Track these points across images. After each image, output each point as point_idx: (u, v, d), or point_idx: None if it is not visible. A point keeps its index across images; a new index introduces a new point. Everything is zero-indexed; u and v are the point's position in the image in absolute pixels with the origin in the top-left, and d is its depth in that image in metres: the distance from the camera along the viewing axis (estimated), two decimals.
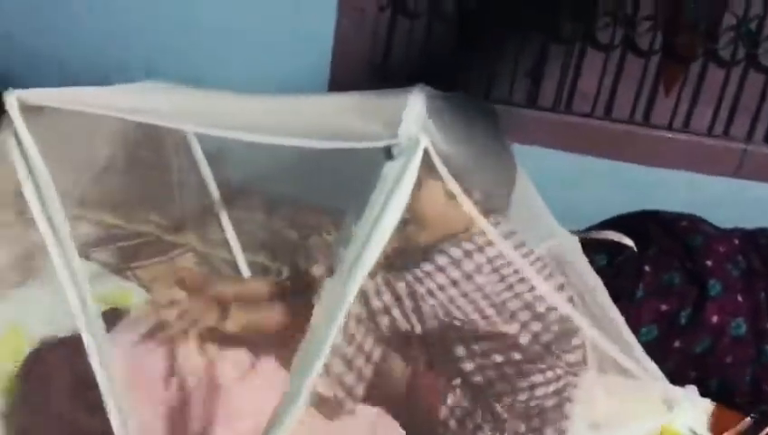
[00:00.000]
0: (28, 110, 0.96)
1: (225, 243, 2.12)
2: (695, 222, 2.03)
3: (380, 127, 1.04)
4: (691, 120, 2.37)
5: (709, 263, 1.89)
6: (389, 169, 0.92)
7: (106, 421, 1.22)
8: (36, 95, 0.97)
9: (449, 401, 1.33)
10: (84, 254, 1.80)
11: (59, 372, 1.30)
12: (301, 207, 2.34)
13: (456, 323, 1.23)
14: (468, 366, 1.30)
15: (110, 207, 2.02)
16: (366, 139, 1.01)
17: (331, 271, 1.83)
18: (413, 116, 1.01)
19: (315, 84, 2.40)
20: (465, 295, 1.22)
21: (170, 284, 1.90)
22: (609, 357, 1.31)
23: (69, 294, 1.01)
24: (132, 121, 1.23)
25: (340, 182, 2.31)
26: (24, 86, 0.97)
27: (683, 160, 2.35)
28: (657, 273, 1.90)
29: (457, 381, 1.34)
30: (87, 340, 1.03)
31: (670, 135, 2.38)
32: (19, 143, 0.94)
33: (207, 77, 1.69)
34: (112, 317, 1.55)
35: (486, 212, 1.19)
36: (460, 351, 1.30)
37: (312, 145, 1.03)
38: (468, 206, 1.07)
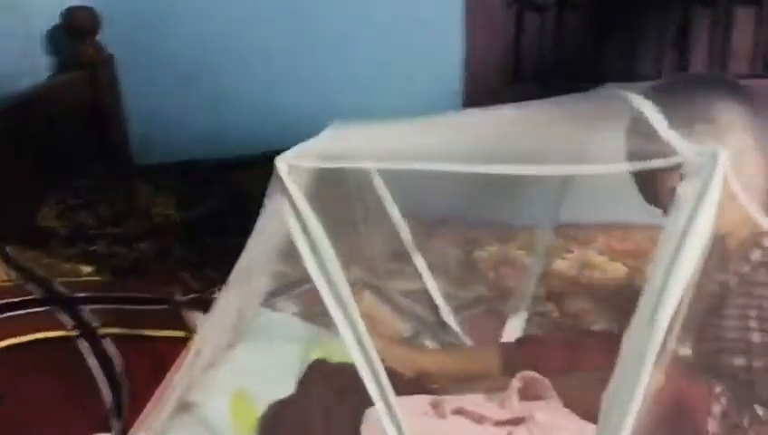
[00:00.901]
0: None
1: (396, 274, 2.11)
2: None
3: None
4: None
5: None
6: (686, 189, 0.83)
7: None
8: (301, 158, 1.00)
9: (715, 411, 1.23)
10: (269, 305, 1.79)
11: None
12: (456, 224, 2.28)
13: None
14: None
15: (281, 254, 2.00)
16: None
17: None
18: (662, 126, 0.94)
19: (449, 96, 2.34)
20: None
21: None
22: None
23: (352, 349, 0.96)
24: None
25: (493, 194, 2.27)
26: None
27: None
28: None
29: (720, 388, 1.23)
30: (377, 401, 0.98)
31: None
32: (292, 204, 0.96)
33: (344, 108, 1.67)
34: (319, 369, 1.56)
35: None
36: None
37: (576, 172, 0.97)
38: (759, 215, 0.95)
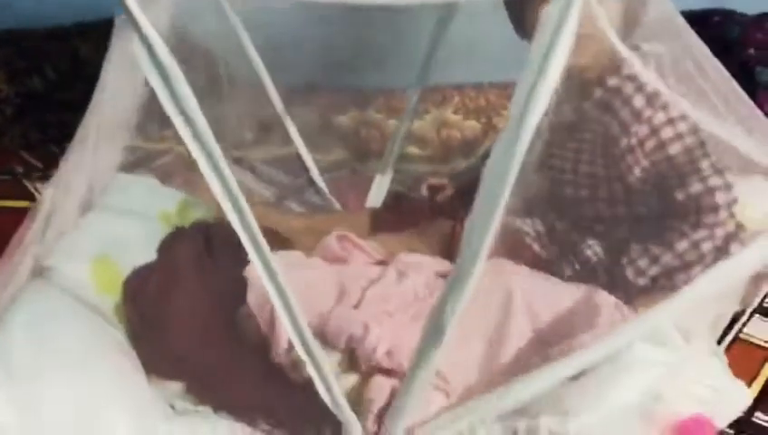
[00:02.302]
0: None
1: (257, 143, 2.05)
2: (726, 14, 1.99)
3: None
4: None
5: (751, 51, 1.88)
6: (549, 14, 0.82)
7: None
8: None
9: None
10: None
11: (169, 289, 1.28)
12: (312, 90, 2.23)
13: None
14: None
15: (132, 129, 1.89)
16: None
17: None
18: None
19: None
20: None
21: None
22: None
23: (222, 202, 0.91)
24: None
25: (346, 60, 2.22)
26: None
27: None
28: None
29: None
30: (250, 251, 0.94)
31: None
32: (144, 41, 0.81)
33: None
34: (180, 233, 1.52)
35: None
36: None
37: None
38: (619, 45, 0.98)
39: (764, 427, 1.22)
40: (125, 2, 0.81)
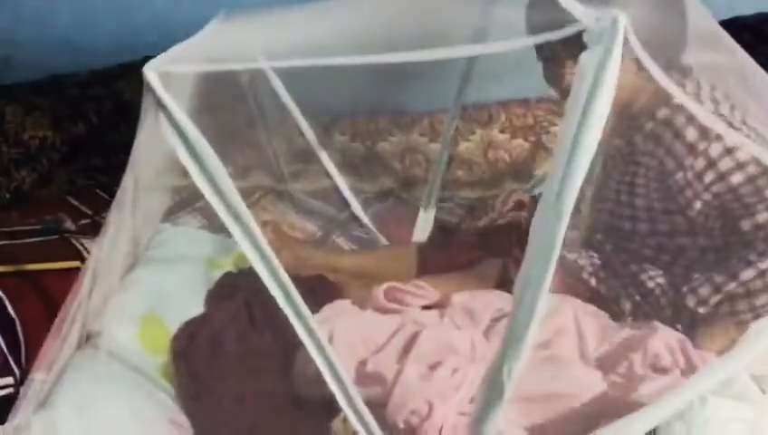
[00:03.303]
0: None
1: (300, 175, 2.03)
2: None
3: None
4: None
5: None
6: (589, 58, 0.77)
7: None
8: (176, 62, 0.88)
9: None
10: (171, 220, 1.70)
11: (217, 345, 1.25)
12: (355, 118, 2.20)
13: None
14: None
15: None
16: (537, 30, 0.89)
17: None
18: None
19: None
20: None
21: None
22: None
23: (252, 259, 0.90)
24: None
25: (389, 82, 2.18)
26: None
27: None
28: None
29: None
30: (284, 307, 0.92)
31: None
32: (169, 118, 0.84)
33: None
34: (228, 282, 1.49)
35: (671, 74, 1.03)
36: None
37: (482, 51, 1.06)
38: (662, 78, 0.91)
39: None
40: (149, 84, 0.82)
